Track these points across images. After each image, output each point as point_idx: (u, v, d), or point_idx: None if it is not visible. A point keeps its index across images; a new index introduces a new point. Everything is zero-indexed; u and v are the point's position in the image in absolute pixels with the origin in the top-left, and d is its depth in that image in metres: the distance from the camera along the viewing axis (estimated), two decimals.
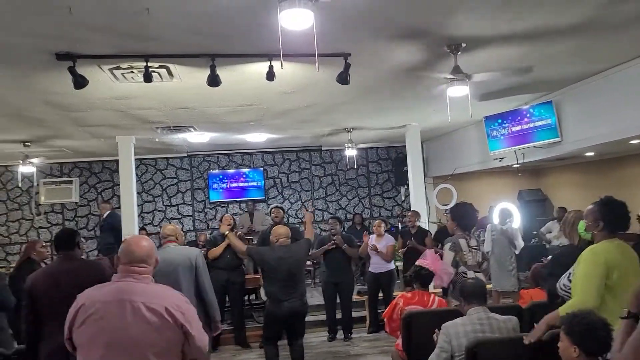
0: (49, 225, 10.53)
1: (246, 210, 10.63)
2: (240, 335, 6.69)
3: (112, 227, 8.56)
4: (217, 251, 6.35)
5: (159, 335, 2.20)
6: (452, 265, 4.75)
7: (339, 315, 6.90)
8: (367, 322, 7.18)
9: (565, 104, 6.59)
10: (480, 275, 4.99)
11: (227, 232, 5.55)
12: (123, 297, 2.22)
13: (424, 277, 4.52)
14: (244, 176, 11.22)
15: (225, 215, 6.81)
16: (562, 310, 2.94)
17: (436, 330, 3.62)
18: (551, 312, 3.06)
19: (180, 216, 11.03)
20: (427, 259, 4.61)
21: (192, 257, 4.21)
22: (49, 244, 6.32)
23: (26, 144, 7.88)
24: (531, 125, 6.98)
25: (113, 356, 2.17)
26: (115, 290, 2.27)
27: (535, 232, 9.67)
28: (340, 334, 6.85)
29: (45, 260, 5.23)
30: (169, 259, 4.09)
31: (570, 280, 3.05)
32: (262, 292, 6.72)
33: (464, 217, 5.13)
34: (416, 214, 7.50)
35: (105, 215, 9.02)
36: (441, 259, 4.77)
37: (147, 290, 2.28)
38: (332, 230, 6.78)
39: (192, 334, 2.27)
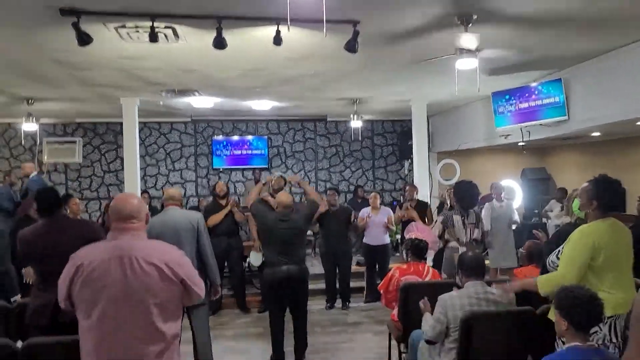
0: (52, 184, 10.56)
1: (252, 178, 10.61)
2: (240, 300, 6.81)
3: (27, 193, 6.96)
4: (217, 218, 6.39)
5: (159, 289, 2.24)
6: (441, 238, 4.80)
7: (337, 285, 7.00)
8: (365, 292, 7.28)
9: (574, 82, 6.50)
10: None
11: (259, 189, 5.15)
12: (122, 254, 2.25)
13: (421, 249, 4.57)
14: (248, 144, 11.20)
15: (219, 182, 6.85)
16: (539, 280, 3.00)
17: (425, 297, 3.69)
18: (530, 279, 3.12)
19: (183, 181, 11.06)
20: (417, 231, 4.64)
21: (194, 220, 4.21)
22: None
23: (30, 101, 7.84)
24: (539, 102, 6.91)
25: (116, 312, 2.21)
26: (113, 247, 2.29)
27: (536, 211, 9.69)
28: (338, 303, 6.94)
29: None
30: (171, 222, 4.10)
31: (558, 258, 3.06)
32: (252, 257, 6.73)
33: (465, 196, 5.14)
34: (414, 188, 7.53)
35: (32, 176, 7.45)
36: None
37: (145, 246, 2.32)
38: (331, 201, 6.82)
39: (191, 286, 2.34)
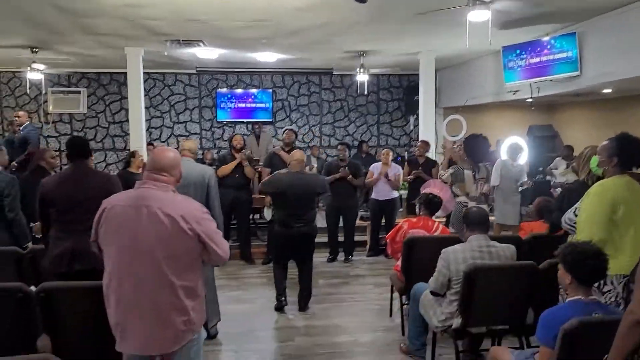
0: (58, 135, 10.57)
1: (252, 132, 10.56)
2: (246, 252, 6.93)
3: (26, 142, 7.27)
4: (227, 169, 6.43)
5: (172, 242, 2.25)
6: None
7: (340, 239, 7.08)
8: (368, 246, 7.37)
9: (589, 36, 6.33)
10: (484, 207, 5.07)
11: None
12: (141, 203, 2.28)
13: (434, 205, 4.58)
14: (252, 97, 11.08)
15: (236, 135, 6.82)
16: None
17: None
18: None
19: (187, 134, 11.02)
20: (435, 188, 4.64)
21: (205, 175, 4.17)
22: (57, 153, 6.28)
23: (34, 49, 7.74)
24: (551, 57, 6.76)
25: (128, 259, 2.26)
26: (135, 196, 2.33)
27: (541, 169, 9.67)
28: (340, 256, 7.05)
29: (55, 169, 5.28)
30: (183, 172, 4.10)
31: (576, 215, 3.07)
32: (265, 212, 6.86)
33: (476, 150, 5.11)
34: (426, 144, 7.51)
35: (23, 126, 7.71)
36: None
37: (166, 198, 2.32)
38: (341, 156, 6.84)
39: (210, 244, 2.32)
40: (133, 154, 6.08)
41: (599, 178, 3.15)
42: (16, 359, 1.84)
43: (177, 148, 9.10)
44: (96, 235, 2.37)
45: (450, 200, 4.82)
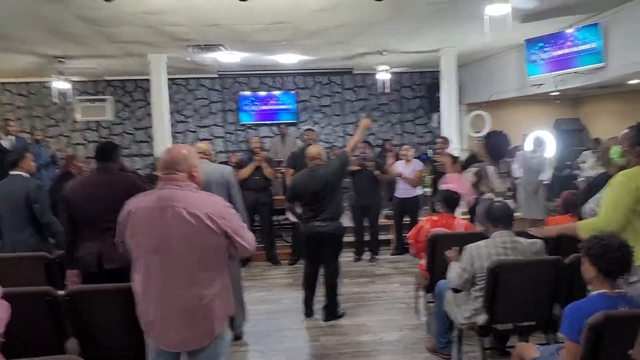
0: (86, 142, 10.82)
1: (277, 133, 10.60)
2: (271, 253, 6.97)
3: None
4: (245, 172, 6.46)
5: (200, 240, 2.26)
6: (474, 190, 4.75)
7: (365, 238, 7.06)
8: (393, 245, 7.34)
9: (613, 26, 6.19)
10: (510, 202, 4.98)
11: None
12: (165, 204, 2.28)
13: (453, 201, 4.52)
14: (275, 99, 11.15)
15: (253, 137, 6.88)
16: (580, 225, 2.94)
17: (452, 247, 3.68)
18: (570, 223, 3.05)
19: (212, 137, 11.15)
20: (452, 183, 4.59)
21: (225, 173, 4.17)
22: (88, 160, 6.43)
23: (60, 59, 7.94)
24: (574, 49, 6.63)
25: (158, 260, 2.27)
26: (158, 197, 2.32)
27: (569, 163, 9.48)
28: (365, 255, 7.03)
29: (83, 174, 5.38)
30: (202, 174, 4.13)
31: (598, 206, 2.99)
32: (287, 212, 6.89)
33: (496, 148, 5.04)
34: (445, 141, 7.43)
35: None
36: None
37: (189, 197, 2.31)
38: (364, 154, 6.81)
39: (236, 238, 2.33)
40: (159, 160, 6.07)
41: (623, 168, 3.05)
42: None
43: None
44: (122, 236, 2.39)
45: (469, 193, 4.74)
